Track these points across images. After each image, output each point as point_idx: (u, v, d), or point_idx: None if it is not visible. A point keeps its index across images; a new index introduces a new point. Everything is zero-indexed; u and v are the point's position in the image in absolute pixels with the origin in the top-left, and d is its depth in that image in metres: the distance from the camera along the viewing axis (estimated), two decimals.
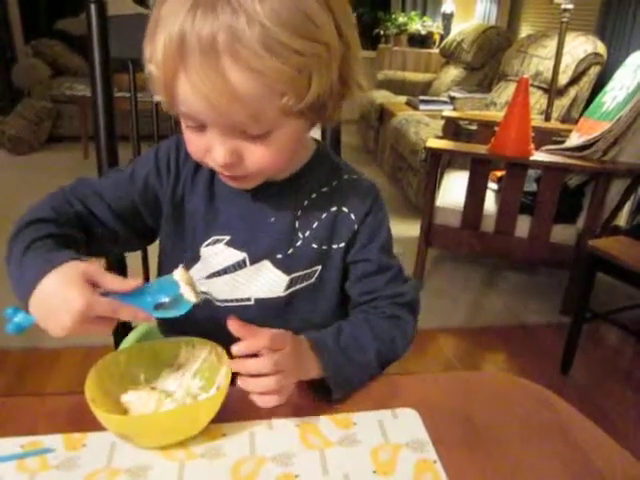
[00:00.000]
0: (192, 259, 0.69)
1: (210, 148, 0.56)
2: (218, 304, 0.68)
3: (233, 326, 0.53)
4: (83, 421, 0.53)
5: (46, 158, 3.84)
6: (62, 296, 0.50)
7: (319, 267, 0.68)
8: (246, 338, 0.53)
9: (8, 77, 4.29)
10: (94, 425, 0.51)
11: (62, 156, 3.85)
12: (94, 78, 0.93)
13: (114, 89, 0.96)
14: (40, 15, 4.92)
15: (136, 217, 0.69)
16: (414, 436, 0.55)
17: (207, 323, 0.68)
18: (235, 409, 0.56)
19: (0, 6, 4.62)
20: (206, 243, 0.68)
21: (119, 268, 0.99)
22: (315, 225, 0.68)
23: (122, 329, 1.01)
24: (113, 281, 0.52)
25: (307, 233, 0.67)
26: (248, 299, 0.68)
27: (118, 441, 0.52)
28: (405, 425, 0.56)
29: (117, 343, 1.01)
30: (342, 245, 0.68)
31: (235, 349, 0.52)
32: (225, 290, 0.68)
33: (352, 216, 0.68)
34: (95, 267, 0.53)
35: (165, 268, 0.73)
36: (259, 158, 0.57)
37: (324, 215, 0.68)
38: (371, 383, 0.63)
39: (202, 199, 0.68)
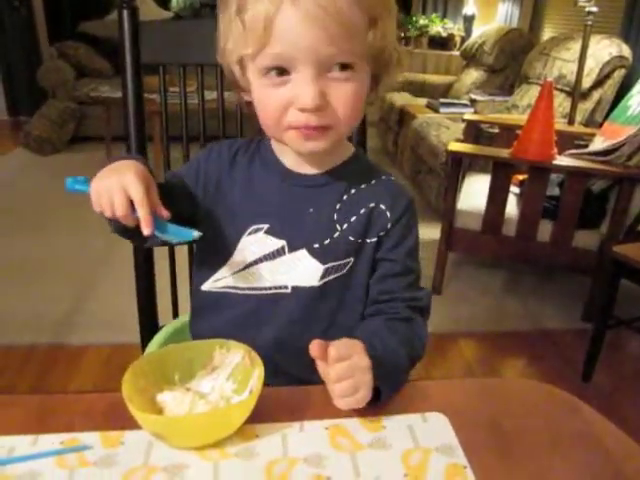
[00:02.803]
0: (232, 250, 0.72)
1: (295, 96, 0.60)
2: (256, 292, 0.71)
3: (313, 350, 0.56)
4: (119, 419, 0.54)
5: (70, 158, 3.90)
6: (122, 167, 0.59)
7: (352, 259, 0.71)
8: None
9: (33, 79, 4.37)
10: (130, 423, 0.53)
11: (85, 156, 3.90)
12: (125, 81, 0.95)
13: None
14: (65, 18, 5.01)
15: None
16: (444, 441, 0.55)
17: (245, 311, 0.72)
18: (267, 411, 0.56)
19: (26, 9, 4.71)
20: (247, 232, 0.71)
21: (147, 263, 1.01)
22: (353, 219, 0.70)
23: (149, 330, 1.02)
24: (155, 197, 0.60)
25: (345, 226, 0.70)
26: (285, 286, 0.71)
27: (155, 440, 0.53)
28: (435, 430, 0.57)
29: (144, 343, 1.03)
30: (374, 240, 0.71)
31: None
32: (263, 277, 0.71)
33: (388, 214, 0.71)
34: (152, 178, 0.61)
35: (204, 262, 0.75)
36: (343, 98, 0.61)
37: (362, 210, 0.71)
38: None
39: (241, 188, 0.72)
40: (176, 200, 0.70)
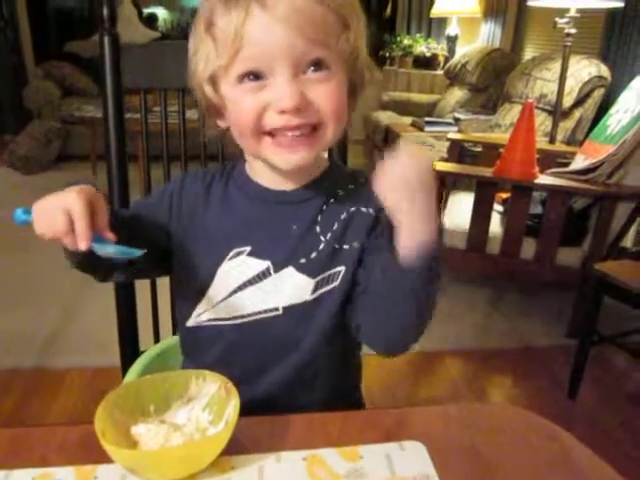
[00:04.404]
0: (212, 279, 0.70)
1: (274, 99, 0.59)
2: (245, 319, 0.69)
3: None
4: (93, 452, 0.53)
5: (55, 177, 3.88)
6: (67, 189, 0.56)
7: (342, 268, 0.68)
8: None
9: (19, 98, 4.36)
10: (104, 456, 0.52)
11: (71, 175, 3.84)
12: (106, 105, 0.95)
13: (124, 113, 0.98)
14: (50, 38, 5.03)
15: (157, 237, 0.72)
16: (421, 470, 0.55)
17: (236, 339, 0.70)
18: (244, 442, 0.56)
19: (12, 29, 4.72)
20: (228, 257, 0.68)
21: (128, 288, 1.01)
22: (335, 226, 0.69)
23: (130, 354, 1.01)
24: (103, 219, 0.57)
25: (329, 235, 0.68)
26: (276, 308, 0.68)
27: (128, 473, 0.52)
28: (412, 458, 0.56)
29: (124, 368, 1.02)
30: (363, 242, 0.68)
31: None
32: (252, 302, 0.68)
33: (370, 211, 0.69)
34: (102, 200, 0.58)
35: (185, 296, 0.73)
36: (324, 95, 0.60)
37: (343, 215, 0.69)
38: (378, 415, 0.64)
39: (218, 215, 0.70)
40: (144, 231, 0.69)
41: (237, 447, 0.55)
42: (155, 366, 0.90)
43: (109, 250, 0.57)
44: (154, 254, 0.70)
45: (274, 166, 0.65)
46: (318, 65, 0.59)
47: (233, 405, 0.55)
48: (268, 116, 0.60)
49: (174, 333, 1.05)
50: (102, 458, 0.53)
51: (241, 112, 0.61)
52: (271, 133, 0.61)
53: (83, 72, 4.63)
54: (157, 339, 1.07)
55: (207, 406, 0.58)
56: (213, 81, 0.63)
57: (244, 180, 0.71)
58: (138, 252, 0.59)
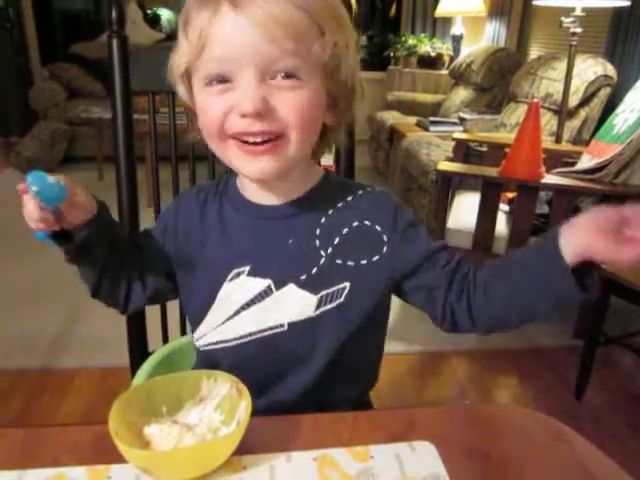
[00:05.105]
0: (212, 301, 0.69)
1: (237, 103, 0.57)
2: (250, 338, 0.68)
3: None
4: (106, 452, 0.54)
5: None
6: None
7: (347, 284, 0.66)
8: None
9: (25, 100, 4.38)
10: (117, 456, 0.52)
11: (77, 177, 3.80)
12: (115, 108, 0.96)
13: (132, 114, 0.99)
14: (56, 39, 5.05)
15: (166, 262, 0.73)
16: (431, 470, 0.55)
17: (241, 358, 0.69)
18: (255, 442, 0.56)
19: (18, 30, 4.75)
20: (228, 278, 0.68)
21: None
22: (337, 241, 0.67)
23: (139, 355, 1.02)
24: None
25: (329, 250, 0.67)
26: (281, 325, 0.67)
27: (142, 473, 0.53)
28: (422, 459, 0.57)
29: (133, 368, 1.02)
30: (375, 259, 0.67)
31: None
32: (256, 321, 0.67)
33: (377, 228, 0.67)
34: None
35: (189, 317, 0.74)
36: (289, 104, 0.58)
37: (345, 230, 0.67)
38: (387, 415, 0.64)
39: (216, 237, 0.69)
40: (152, 259, 0.71)
41: (248, 447, 0.55)
42: (164, 367, 0.91)
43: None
44: (165, 280, 0.73)
45: (244, 176, 0.65)
46: (286, 75, 0.58)
47: (244, 405, 0.55)
48: (231, 119, 0.59)
49: (182, 334, 1.06)
50: (115, 458, 0.53)
51: (207, 115, 0.61)
52: (235, 137, 0.60)
53: (89, 73, 4.65)
54: (166, 340, 1.07)
55: (219, 406, 0.58)
56: (187, 79, 0.63)
57: (236, 197, 0.70)
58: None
